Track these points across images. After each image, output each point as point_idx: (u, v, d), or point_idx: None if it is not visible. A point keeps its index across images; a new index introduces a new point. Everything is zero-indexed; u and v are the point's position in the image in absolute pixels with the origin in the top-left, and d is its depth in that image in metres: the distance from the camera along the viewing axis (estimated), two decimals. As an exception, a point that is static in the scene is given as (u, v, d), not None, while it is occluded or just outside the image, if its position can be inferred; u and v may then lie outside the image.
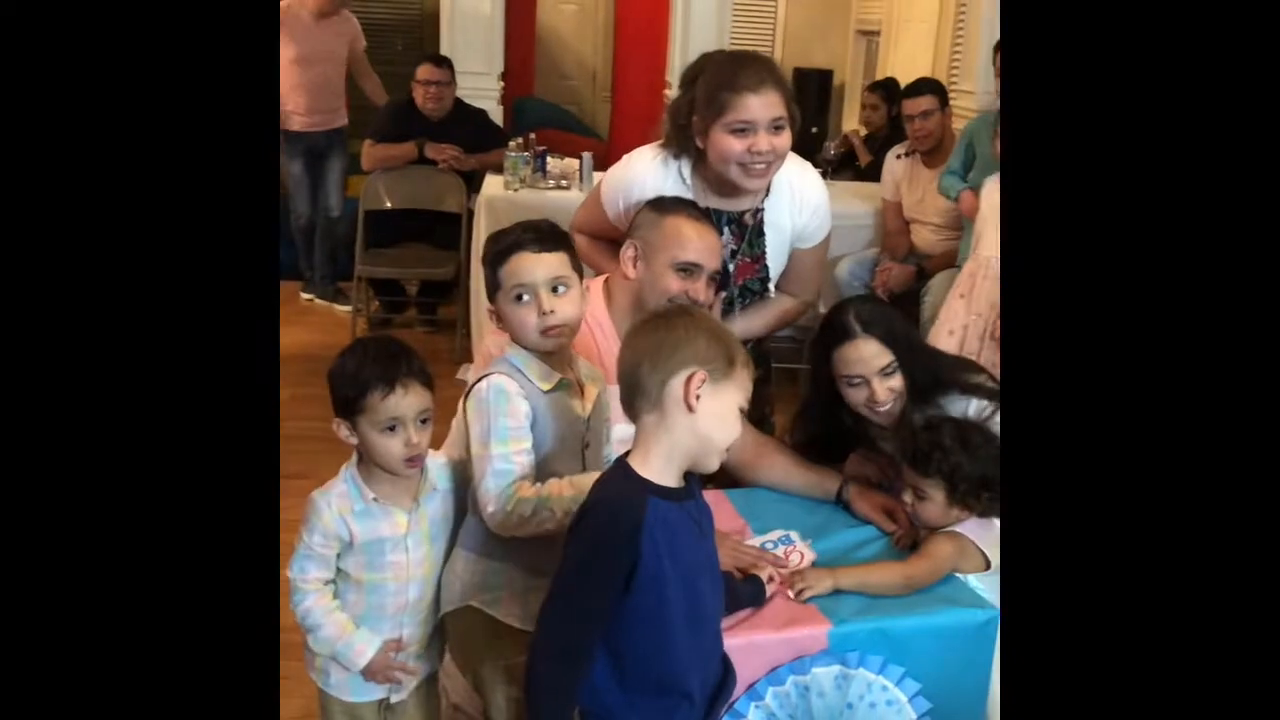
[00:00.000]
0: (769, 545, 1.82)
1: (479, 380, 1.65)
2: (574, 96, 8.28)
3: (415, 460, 1.60)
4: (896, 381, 1.91)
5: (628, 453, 1.40)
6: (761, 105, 1.98)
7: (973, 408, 1.91)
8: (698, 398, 1.33)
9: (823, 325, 2.00)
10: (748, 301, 2.26)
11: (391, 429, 1.57)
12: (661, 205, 2.00)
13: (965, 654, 1.65)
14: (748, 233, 2.19)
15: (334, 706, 1.75)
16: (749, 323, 2.25)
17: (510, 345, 1.69)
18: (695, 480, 1.43)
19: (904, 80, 4.70)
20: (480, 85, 5.09)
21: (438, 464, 1.70)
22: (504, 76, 5.41)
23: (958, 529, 1.75)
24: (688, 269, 1.92)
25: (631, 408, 1.38)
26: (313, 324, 4.84)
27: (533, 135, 4.49)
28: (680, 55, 5.67)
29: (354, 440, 1.61)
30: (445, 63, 4.62)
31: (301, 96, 4.79)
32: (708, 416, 1.35)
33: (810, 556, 1.80)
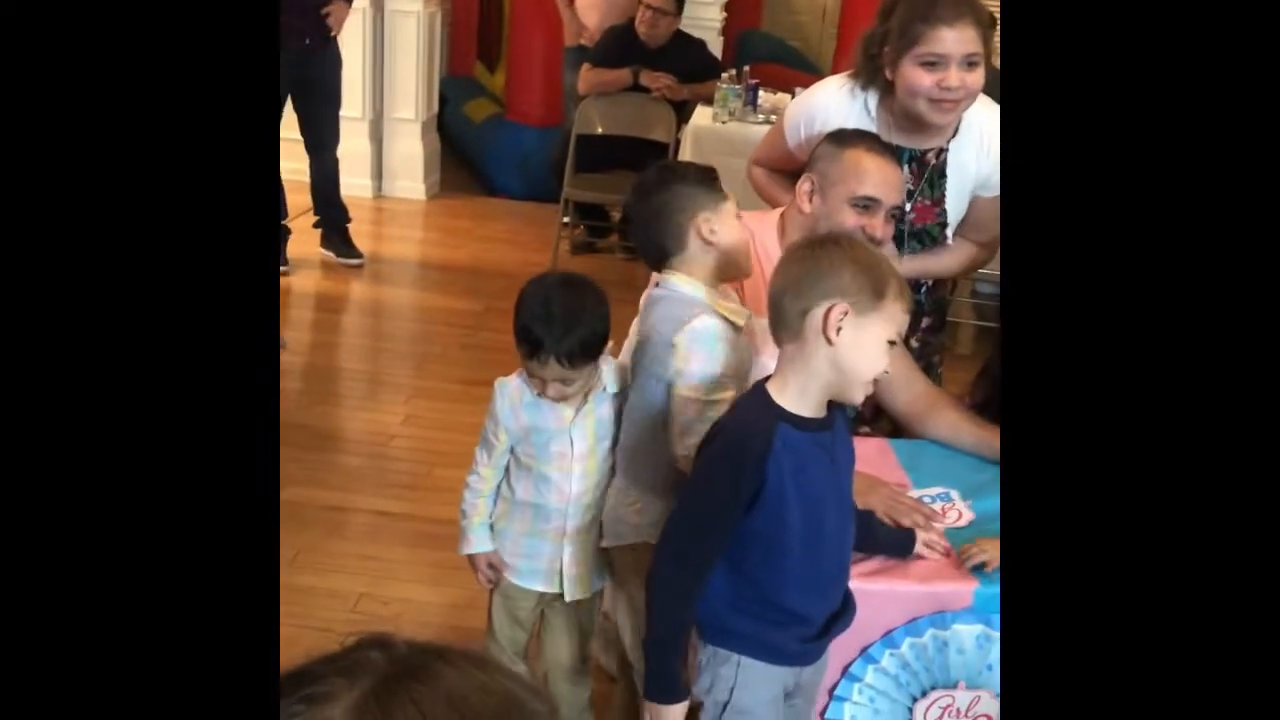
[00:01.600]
0: (927, 500, 1.79)
1: (696, 319, 1.63)
2: (800, 32, 8.11)
3: (549, 398, 1.71)
4: None
5: (768, 378, 1.42)
6: (956, 39, 1.91)
7: None
8: (838, 330, 1.33)
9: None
10: (922, 245, 2.18)
11: (533, 375, 1.70)
12: (842, 138, 1.95)
13: (1120, 633, 1.59)
14: (929, 172, 2.12)
15: (497, 590, 1.87)
16: (924, 263, 2.18)
17: (694, 285, 1.69)
18: (839, 412, 1.44)
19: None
20: (702, 15, 5.08)
21: (611, 367, 1.78)
22: (727, 7, 5.37)
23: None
24: (866, 204, 1.86)
25: (776, 335, 1.40)
26: (521, 242, 5.01)
27: (746, 68, 4.45)
28: (911, -5, 5.47)
29: None
30: None
31: (594, 15, 4.91)
32: (848, 349, 1.34)
33: (969, 516, 1.76)
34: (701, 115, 4.29)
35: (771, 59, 6.37)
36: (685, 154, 4.14)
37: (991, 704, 1.60)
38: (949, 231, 2.20)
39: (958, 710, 1.60)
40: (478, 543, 1.83)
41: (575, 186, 4.67)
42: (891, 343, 1.37)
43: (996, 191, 2.15)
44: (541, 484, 1.78)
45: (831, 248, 1.40)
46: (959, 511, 1.77)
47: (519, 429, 1.76)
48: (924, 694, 1.59)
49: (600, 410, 1.77)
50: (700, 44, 4.82)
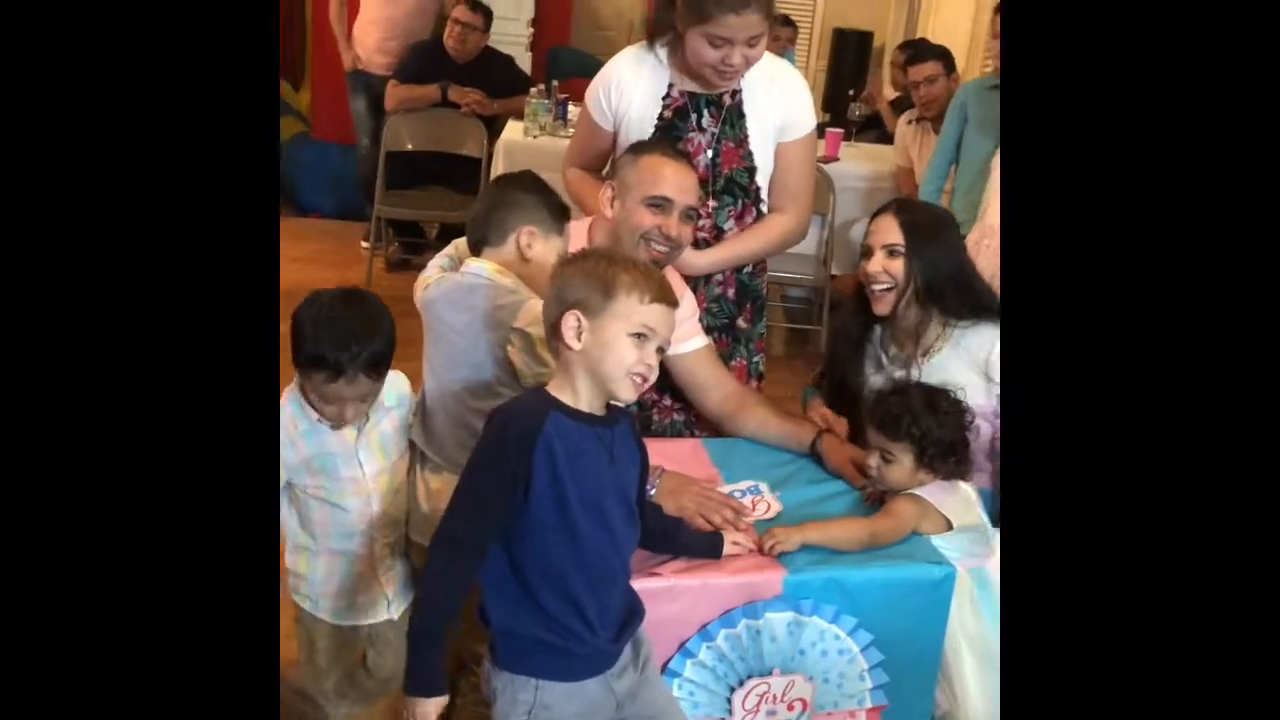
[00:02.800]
0: (737, 494, 1.84)
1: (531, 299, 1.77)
2: (609, 48, 8.20)
3: (344, 424, 1.67)
4: (896, 266, 1.98)
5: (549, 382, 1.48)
6: (741, 26, 2.01)
7: (998, 342, 1.92)
8: (579, 336, 1.40)
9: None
10: (735, 199, 2.24)
11: (330, 400, 1.65)
12: (639, 146, 2.04)
13: (920, 609, 1.67)
14: (727, 112, 2.20)
15: (317, 629, 1.80)
16: (722, 254, 2.24)
17: (502, 272, 1.81)
18: (623, 414, 1.48)
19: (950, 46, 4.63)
20: (509, 30, 5.09)
21: (389, 381, 1.74)
22: (534, 23, 5.40)
23: (920, 492, 1.77)
24: (660, 203, 1.93)
25: (549, 348, 1.48)
26: (333, 261, 4.90)
27: (555, 83, 4.49)
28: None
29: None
30: (481, 9, 4.62)
31: (374, 32, 4.81)
32: (593, 350, 1.40)
33: (776, 508, 1.82)
34: (513, 130, 4.30)
35: (581, 74, 6.43)
36: (498, 168, 4.14)
37: (805, 687, 1.65)
38: (760, 180, 2.25)
39: (773, 696, 1.65)
40: None
41: (387, 204, 4.60)
42: (640, 335, 1.40)
43: (797, 136, 2.25)
44: (339, 516, 1.72)
45: (570, 261, 1.48)
46: (768, 504, 1.82)
47: (299, 461, 1.69)
48: (741, 683, 1.63)
49: (382, 425, 1.74)
50: (508, 59, 4.83)
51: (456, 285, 1.83)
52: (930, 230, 2.01)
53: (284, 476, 1.69)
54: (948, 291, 1.98)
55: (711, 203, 2.20)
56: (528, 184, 1.92)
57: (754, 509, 1.80)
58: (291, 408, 1.69)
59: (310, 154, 5.56)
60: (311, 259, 4.92)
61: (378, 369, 1.64)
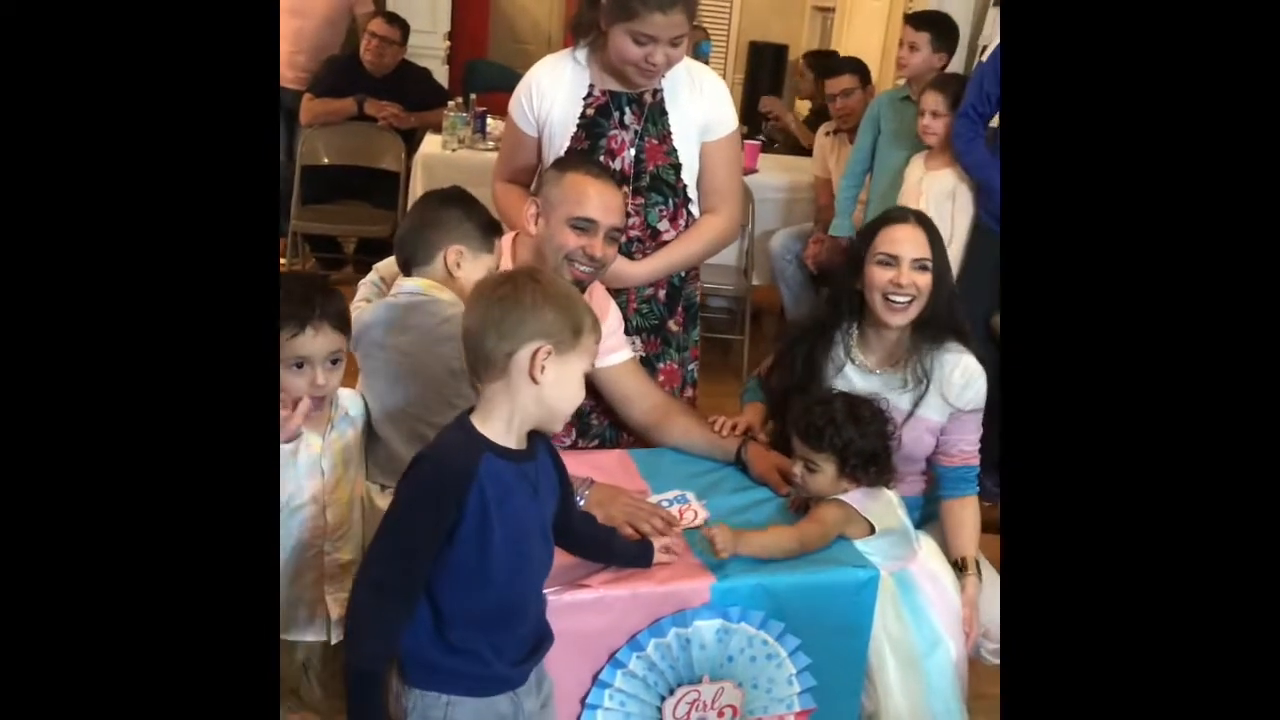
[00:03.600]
0: (665, 504, 1.85)
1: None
2: (527, 61, 8.16)
3: (316, 401, 1.63)
4: (924, 280, 1.94)
5: (471, 409, 1.42)
6: (666, 24, 2.04)
7: (960, 365, 1.96)
8: (543, 369, 1.36)
9: (874, 219, 2.07)
10: (664, 197, 2.25)
11: (299, 366, 1.59)
12: (564, 163, 2.04)
13: (845, 612, 1.70)
14: (650, 110, 2.22)
15: None
16: (677, 252, 2.26)
17: (439, 288, 1.83)
18: (542, 441, 1.46)
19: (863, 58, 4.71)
20: (425, 44, 5.05)
21: (348, 394, 1.75)
22: (451, 36, 5.37)
23: (844, 497, 1.80)
24: (584, 225, 1.94)
25: (475, 373, 1.40)
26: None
27: (473, 96, 4.47)
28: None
29: None
30: (398, 22, 4.59)
31: (283, 46, 4.72)
32: (552, 386, 1.38)
33: (704, 515, 1.83)
34: (431, 143, 4.28)
35: (499, 87, 6.41)
36: (416, 182, 4.11)
37: (734, 694, 1.66)
38: (686, 177, 2.26)
39: (704, 703, 1.66)
40: None
41: (303, 219, 4.53)
42: (586, 374, 1.41)
43: (721, 135, 2.28)
44: (294, 520, 1.68)
45: (530, 285, 1.40)
46: (695, 512, 1.84)
47: None
48: (671, 692, 1.64)
49: (346, 436, 1.72)
50: (425, 72, 4.80)
51: (393, 306, 1.83)
52: (943, 248, 2.01)
53: None
54: (945, 310, 1.98)
55: (638, 199, 2.20)
56: (455, 201, 1.91)
57: (681, 517, 1.81)
58: None
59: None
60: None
61: (342, 320, 1.62)
